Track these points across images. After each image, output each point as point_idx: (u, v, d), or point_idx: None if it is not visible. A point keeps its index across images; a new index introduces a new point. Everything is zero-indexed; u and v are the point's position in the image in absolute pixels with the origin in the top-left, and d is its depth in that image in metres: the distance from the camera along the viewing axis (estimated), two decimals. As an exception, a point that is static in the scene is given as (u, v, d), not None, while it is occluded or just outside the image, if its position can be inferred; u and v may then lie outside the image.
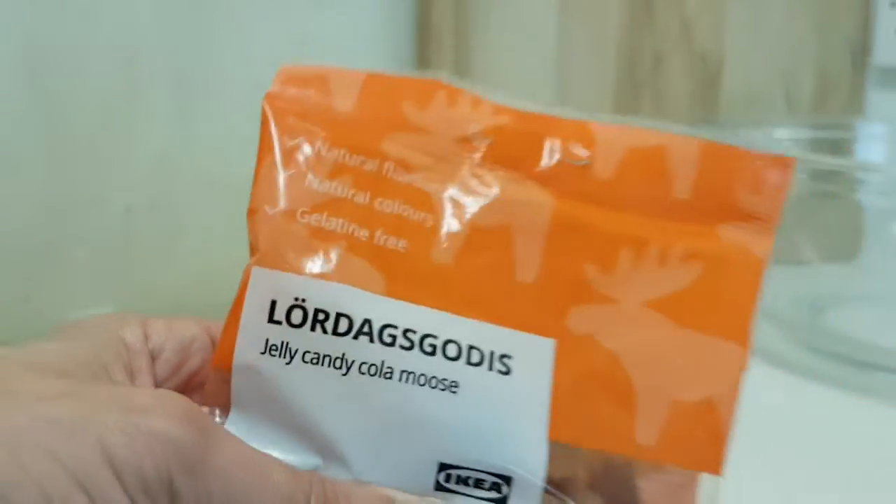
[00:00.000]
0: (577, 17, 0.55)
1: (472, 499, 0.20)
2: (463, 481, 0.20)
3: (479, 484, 0.20)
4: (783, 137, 0.60)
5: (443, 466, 0.20)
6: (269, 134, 0.22)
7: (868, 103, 0.67)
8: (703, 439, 0.21)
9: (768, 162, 0.22)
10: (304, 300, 0.21)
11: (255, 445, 0.19)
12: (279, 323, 0.20)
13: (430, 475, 0.20)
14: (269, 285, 0.21)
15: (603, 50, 0.56)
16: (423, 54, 0.54)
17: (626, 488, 0.21)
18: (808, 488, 0.35)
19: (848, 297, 0.55)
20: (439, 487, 0.20)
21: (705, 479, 0.22)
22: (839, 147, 0.63)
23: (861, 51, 0.66)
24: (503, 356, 0.21)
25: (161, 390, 0.20)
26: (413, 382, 0.20)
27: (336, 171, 0.22)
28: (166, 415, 0.17)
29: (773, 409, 0.43)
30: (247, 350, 0.21)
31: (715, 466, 0.21)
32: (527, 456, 0.20)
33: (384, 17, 0.54)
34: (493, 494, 0.20)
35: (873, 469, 0.36)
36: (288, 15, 0.51)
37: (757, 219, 0.22)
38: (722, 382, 0.21)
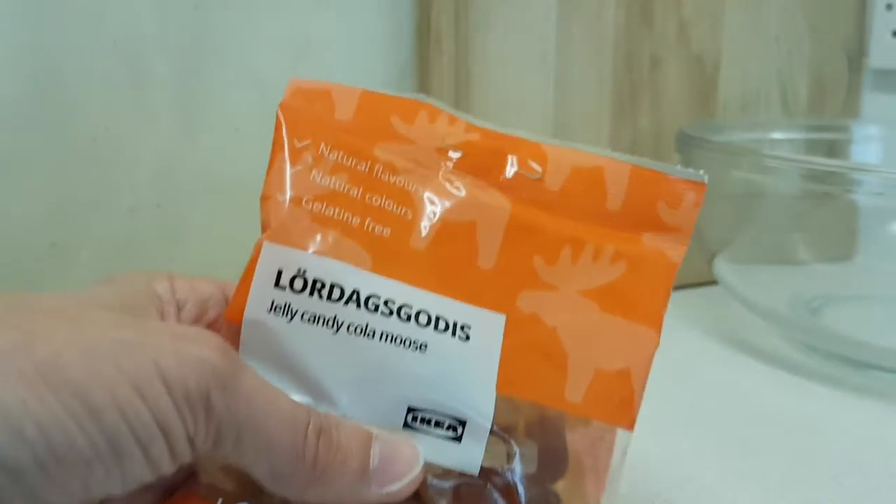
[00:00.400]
0: (575, 19, 0.56)
1: (433, 437, 0.24)
2: (426, 422, 0.24)
3: (439, 424, 0.24)
4: (779, 138, 0.61)
5: (410, 409, 0.24)
6: (282, 136, 0.27)
7: (863, 105, 0.68)
8: (619, 400, 0.25)
9: (684, 184, 0.27)
10: (304, 271, 0.25)
11: None
12: (283, 288, 0.25)
13: (401, 416, 0.24)
14: (276, 257, 0.25)
15: (601, 51, 0.57)
16: (423, 55, 0.54)
17: (556, 437, 0.26)
18: (804, 486, 0.35)
19: (844, 296, 0.56)
20: (407, 426, 0.24)
21: (620, 435, 0.26)
22: (835, 148, 0.63)
23: (856, 53, 0.66)
24: (464, 326, 0.25)
25: (199, 328, 0.25)
26: (391, 342, 0.25)
27: (335, 170, 0.26)
28: (206, 344, 0.21)
29: (771, 408, 0.43)
30: (256, 308, 0.24)
31: (628, 423, 0.26)
32: (479, 404, 0.25)
33: (384, 18, 0.54)
34: (451, 433, 0.24)
35: (869, 467, 0.37)
36: (289, 17, 0.51)
37: (674, 230, 0.27)
38: (637, 357, 0.26)
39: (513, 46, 0.54)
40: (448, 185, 0.27)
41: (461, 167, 0.27)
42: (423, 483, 0.24)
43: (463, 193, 0.27)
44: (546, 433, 0.26)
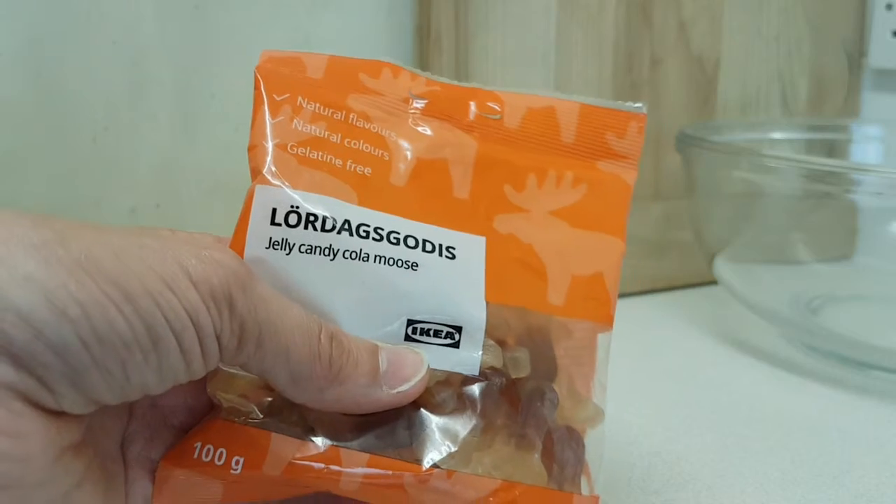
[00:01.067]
0: (575, 19, 0.56)
1: (434, 345, 0.26)
2: (426, 332, 0.26)
3: (437, 334, 0.26)
4: (779, 138, 0.61)
5: (410, 322, 0.26)
6: (261, 93, 0.28)
7: (863, 105, 0.68)
8: (596, 300, 0.28)
9: (627, 116, 0.31)
10: (297, 207, 0.26)
11: None
12: (279, 225, 0.26)
13: (401, 329, 0.26)
14: (269, 198, 0.26)
15: (601, 51, 0.57)
16: (423, 55, 0.54)
17: (544, 343, 0.28)
18: (804, 486, 0.35)
19: (843, 296, 0.56)
20: (408, 338, 0.26)
21: (602, 338, 0.29)
22: (834, 148, 0.63)
23: (856, 53, 0.66)
24: (449, 247, 0.27)
25: (215, 241, 0.27)
26: (384, 263, 0.26)
27: (314, 119, 0.28)
28: (224, 252, 0.23)
29: (771, 408, 0.43)
30: (255, 246, 0.26)
31: (607, 319, 0.28)
32: (472, 312, 0.27)
33: (384, 19, 0.54)
34: (448, 341, 0.26)
35: (869, 467, 0.37)
36: (289, 17, 0.51)
37: (623, 157, 0.31)
38: (607, 261, 0.29)
39: (513, 46, 0.54)
40: (418, 129, 0.30)
41: (428, 113, 0.30)
42: (429, 389, 0.26)
43: (432, 135, 0.29)
44: (534, 342, 0.28)
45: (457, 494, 0.24)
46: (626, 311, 0.51)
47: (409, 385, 0.25)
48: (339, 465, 0.24)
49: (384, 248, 0.26)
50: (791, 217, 0.52)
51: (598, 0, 0.56)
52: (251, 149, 0.27)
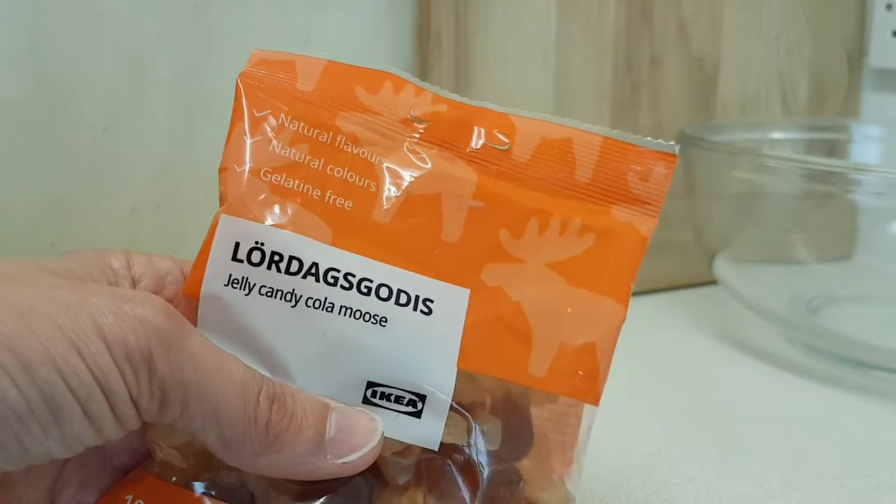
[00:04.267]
0: (575, 19, 0.56)
1: (393, 412, 0.24)
2: (386, 397, 0.24)
3: (398, 400, 0.24)
4: (779, 138, 0.61)
5: (370, 384, 0.24)
6: (241, 106, 0.26)
7: (863, 105, 0.68)
8: (584, 375, 0.25)
9: (655, 156, 0.27)
10: (262, 244, 0.24)
11: None
12: (241, 261, 0.24)
13: (360, 391, 0.24)
14: (233, 230, 0.24)
15: (601, 52, 0.57)
16: (423, 55, 0.54)
17: (521, 414, 0.25)
18: (804, 486, 0.35)
19: (843, 296, 0.56)
20: (366, 401, 0.24)
21: (587, 410, 0.26)
22: (835, 148, 0.63)
23: (856, 53, 0.66)
24: (426, 300, 0.25)
25: (144, 291, 0.25)
26: (350, 316, 0.24)
27: (295, 140, 0.26)
28: (149, 305, 0.21)
29: (771, 408, 0.43)
30: (213, 282, 0.24)
31: (593, 398, 0.25)
32: (439, 379, 0.24)
33: (384, 19, 0.54)
34: (410, 409, 0.24)
35: (869, 467, 0.37)
36: (289, 17, 0.51)
37: (644, 203, 0.27)
38: (602, 331, 0.25)
39: (513, 46, 0.54)
40: (413, 157, 0.26)
41: (427, 138, 0.27)
42: (384, 459, 0.24)
43: (428, 165, 0.26)
44: (510, 410, 0.25)
45: None
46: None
47: (357, 455, 0.23)
48: None
49: (352, 299, 0.24)
50: (791, 217, 0.52)
51: (598, 0, 0.56)
52: (222, 171, 0.25)
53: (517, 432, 0.25)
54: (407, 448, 0.24)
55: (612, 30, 0.57)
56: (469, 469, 0.24)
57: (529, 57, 0.55)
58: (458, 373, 0.24)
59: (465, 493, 0.24)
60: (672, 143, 0.27)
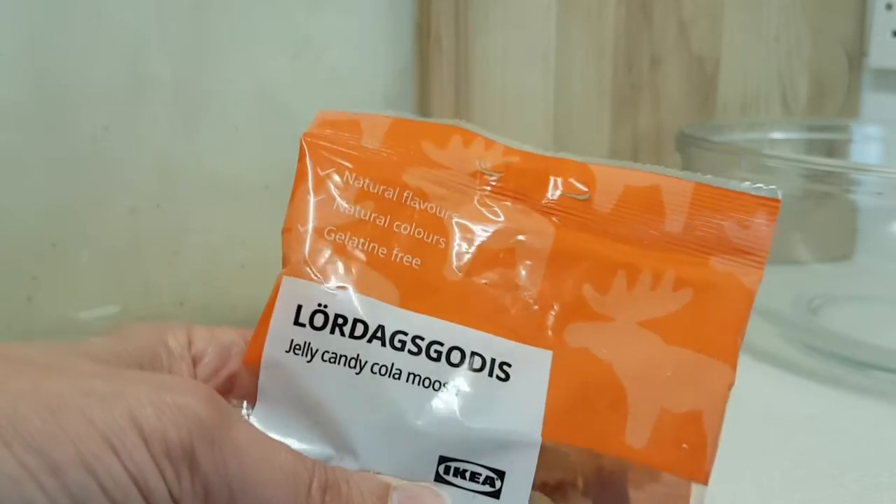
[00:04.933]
0: (575, 19, 0.56)
1: (469, 491, 0.22)
2: (461, 474, 0.22)
3: (474, 477, 0.22)
4: (779, 138, 0.61)
5: (443, 459, 0.22)
6: (305, 165, 0.25)
7: (863, 105, 0.68)
8: (690, 447, 0.22)
9: (756, 203, 0.24)
10: (326, 306, 0.23)
11: (276, 434, 0.22)
12: (303, 325, 0.23)
13: (432, 467, 0.22)
14: (296, 292, 0.23)
15: (601, 51, 0.57)
16: (423, 55, 0.54)
17: (617, 496, 0.23)
18: (804, 486, 0.35)
19: (843, 296, 0.56)
20: (439, 478, 0.22)
21: (695, 491, 0.23)
22: (835, 148, 0.63)
23: (856, 53, 0.66)
24: (503, 363, 0.23)
25: (187, 378, 0.24)
26: (419, 384, 0.22)
27: (360, 198, 0.25)
28: (191, 394, 0.20)
29: (771, 408, 0.43)
30: (274, 349, 0.23)
31: (700, 475, 0.22)
32: (520, 453, 0.22)
33: (384, 19, 0.54)
34: (487, 488, 0.22)
35: (869, 467, 0.37)
36: (289, 17, 0.51)
37: (747, 253, 0.24)
38: (709, 396, 0.23)
39: (513, 46, 0.54)
40: (484, 210, 0.25)
41: (499, 191, 0.25)
42: None
43: (501, 219, 0.25)
44: (604, 490, 0.23)
45: None
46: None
47: None
48: None
49: (421, 365, 0.22)
50: (791, 217, 0.52)
51: (598, 0, 0.56)
52: (285, 232, 0.24)
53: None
54: None
55: (612, 30, 0.57)
56: None
57: (529, 57, 0.55)
58: (542, 445, 0.22)
59: None
60: (773, 187, 0.24)
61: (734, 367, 0.23)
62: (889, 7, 0.64)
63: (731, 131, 0.58)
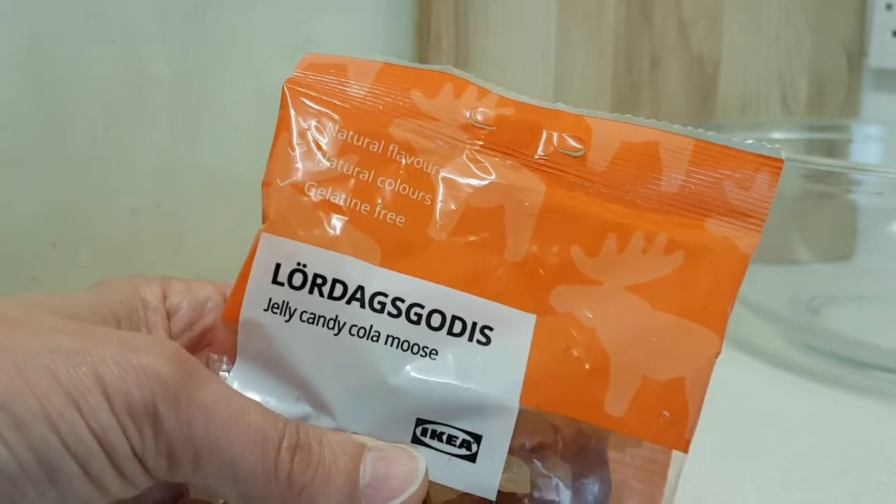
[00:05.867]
0: (575, 19, 0.56)
1: (445, 454, 0.22)
2: (437, 436, 0.22)
3: (451, 440, 0.22)
4: (779, 138, 0.61)
5: (420, 421, 0.22)
6: (287, 115, 0.24)
7: (863, 105, 0.68)
8: (671, 415, 0.22)
9: (758, 162, 0.23)
10: (305, 265, 0.23)
11: (254, 393, 0.22)
12: (282, 284, 0.23)
13: (409, 428, 0.22)
14: (275, 250, 0.23)
15: (601, 51, 0.57)
16: (423, 55, 0.54)
17: (596, 459, 0.22)
18: (804, 486, 0.35)
19: (843, 296, 0.56)
20: (416, 440, 0.22)
21: (675, 458, 0.23)
22: (835, 148, 0.63)
23: (856, 53, 0.66)
24: (485, 327, 0.22)
25: (156, 335, 0.24)
26: (398, 347, 0.22)
27: (344, 151, 0.24)
28: (156, 354, 0.20)
29: (771, 408, 0.43)
30: (252, 306, 0.23)
31: (680, 443, 0.22)
32: (498, 418, 0.22)
33: (384, 18, 0.54)
34: (464, 451, 0.22)
35: (869, 467, 0.37)
36: (289, 16, 0.51)
37: (745, 215, 0.23)
38: (693, 364, 0.22)
39: (513, 46, 0.54)
40: (473, 166, 0.24)
41: (490, 145, 0.24)
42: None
43: (491, 175, 0.24)
44: (583, 453, 0.22)
45: None
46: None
47: (405, 495, 0.21)
48: None
49: (400, 328, 0.22)
50: (791, 217, 0.52)
51: (598, 0, 0.56)
52: (265, 186, 0.24)
53: (591, 480, 0.22)
54: (460, 497, 0.22)
55: (612, 30, 0.57)
56: None
57: (529, 57, 0.55)
58: (520, 410, 0.22)
59: None
60: (777, 146, 0.23)
61: (721, 335, 0.23)
62: (889, 7, 0.64)
63: (731, 131, 0.58)
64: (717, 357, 0.22)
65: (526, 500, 0.22)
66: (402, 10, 0.54)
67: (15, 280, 0.47)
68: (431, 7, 0.52)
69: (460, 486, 0.22)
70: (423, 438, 0.22)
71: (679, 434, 0.22)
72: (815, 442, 0.39)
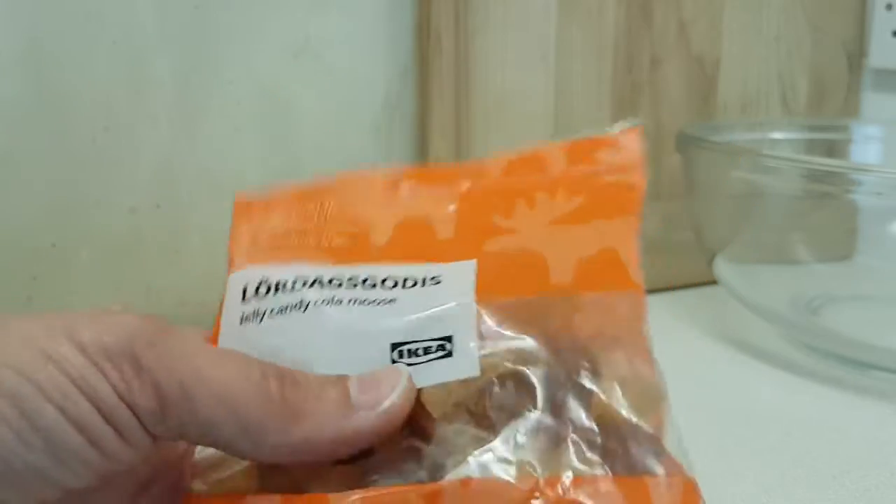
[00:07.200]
0: (575, 19, 0.56)
1: (425, 363, 0.23)
2: (413, 353, 0.24)
3: (427, 351, 0.24)
4: (779, 138, 0.61)
5: (394, 346, 0.24)
6: (237, 220, 0.29)
7: (863, 105, 0.68)
8: (613, 269, 0.25)
9: (622, 133, 0.27)
10: (267, 278, 0.26)
11: None
12: (249, 300, 0.25)
13: (386, 354, 0.24)
14: (240, 279, 0.26)
15: (601, 51, 0.57)
16: (423, 55, 0.54)
17: (560, 320, 0.24)
18: (804, 486, 0.35)
19: (843, 296, 0.56)
20: (395, 363, 0.24)
21: (634, 301, 0.24)
22: (835, 148, 0.63)
23: (856, 53, 0.66)
24: (433, 277, 0.25)
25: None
26: (359, 304, 0.25)
27: (286, 216, 0.28)
28: (128, 314, 0.21)
29: (771, 408, 0.43)
30: (228, 328, 0.25)
31: (629, 285, 0.24)
32: (461, 318, 0.24)
33: (384, 18, 0.54)
34: (440, 353, 0.24)
35: (869, 467, 0.37)
36: (289, 17, 0.51)
37: (626, 168, 0.27)
38: (620, 239, 0.25)
39: (513, 46, 0.54)
40: (395, 199, 0.28)
41: (406, 182, 0.29)
42: (429, 417, 0.23)
43: (411, 197, 0.28)
44: (544, 319, 0.24)
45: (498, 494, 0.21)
46: (626, 311, 0.51)
47: (391, 400, 0.21)
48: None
49: (360, 293, 0.25)
50: (791, 217, 0.52)
51: (598, 0, 0.56)
52: (230, 262, 0.27)
53: (559, 340, 0.24)
54: (455, 406, 0.23)
55: (612, 30, 0.57)
56: (519, 379, 0.23)
57: (529, 57, 0.55)
58: (478, 306, 0.24)
59: (526, 400, 0.23)
60: (636, 119, 0.27)
61: (638, 217, 0.25)
62: (889, 7, 0.64)
63: (731, 131, 0.58)
64: (637, 231, 0.25)
65: (507, 364, 0.23)
66: (402, 10, 0.54)
67: (15, 280, 0.47)
68: (431, 7, 0.52)
69: (445, 378, 0.23)
70: (400, 360, 0.23)
71: (625, 277, 0.25)
72: (815, 442, 0.39)
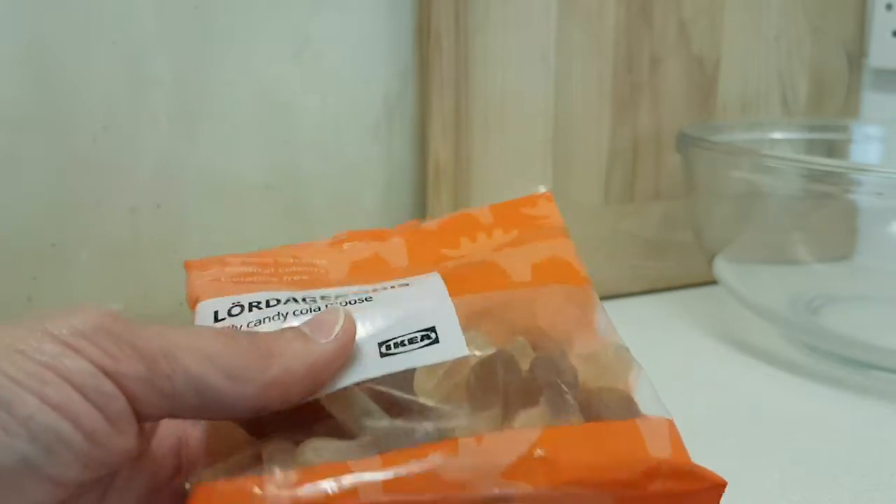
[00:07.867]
0: (575, 19, 0.56)
1: (413, 350, 0.25)
2: (400, 345, 0.25)
3: (412, 341, 0.25)
4: (779, 138, 0.61)
5: (381, 343, 0.25)
6: (192, 274, 0.30)
7: (863, 105, 0.68)
8: (564, 268, 0.29)
9: (535, 197, 0.33)
10: (239, 302, 0.27)
11: None
12: (224, 319, 0.26)
13: (375, 350, 0.25)
14: (209, 307, 0.27)
15: (601, 51, 0.57)
16: (423, 55, 0.54)
17: (525, 312, 0.28)
18: (804, 486, 0.35)
19: (843, 296, 0.56)
20: (384, 356, 0.25)
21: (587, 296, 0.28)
22: (834, 148, 0.63)
23: (856, 53, 0.66)
24: (402, 284, 0.28)
25: None
26: (336, 305, 0.26)
27: (244, 264, 0.30)
28: (98, 307, 0.21)
29: (771, 408, 0.43)
30: None
31: (581, 280, 0.29)
32: (441, 311, 0.26)
33: (384, 18, 0.54)
34: (427, 341, 0.25)
35: (869, 467, 0.37)
36: (289, 16, 0.51)
37: (544, 217, 0.32)
38: (562, 250, 0.30)
39: (512, 46, 0.54)
40: (348, 246, 0.32)
41: (354, 239, 0.33)
42: (426, 388, 0.25)
43: (363, 244, 0.32)
44: (511, 313, 0.27)
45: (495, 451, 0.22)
46: (626, 312, 0.51)
47: (338, 326, 0.24)
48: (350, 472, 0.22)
49: (332, 300, 0.27)
50: (791, 217, 0.52)
51: (598, 0, 0.56)
52: (190, 301, 0.28)
53: (528, 325, 0.27)
54: (439, 381, 0.25)
55: (612, 30, 0.57)
56: (505, 358, 0.25)
57: (529, 57, 0.55)
58: (453, 301, 0.27)
59: (516, 375, 0.25)
60: (542, 186, 0.32)
61: (568, 237, 0.31)
62: (889, 7, 0.64)
63: (731, 131, 0.58)
64: (573, 247, 0.30)
65: (496, 358, 0.25)
66: (402, 10, 0.54)
67: (15, 280, 0.47)
68: (431, 7, 0.52)
69: (438, 360, 0.25)
70: (388, 352, 0.25)
71: (576, 275, 0.29)
72: (815, 442, 0.39)
